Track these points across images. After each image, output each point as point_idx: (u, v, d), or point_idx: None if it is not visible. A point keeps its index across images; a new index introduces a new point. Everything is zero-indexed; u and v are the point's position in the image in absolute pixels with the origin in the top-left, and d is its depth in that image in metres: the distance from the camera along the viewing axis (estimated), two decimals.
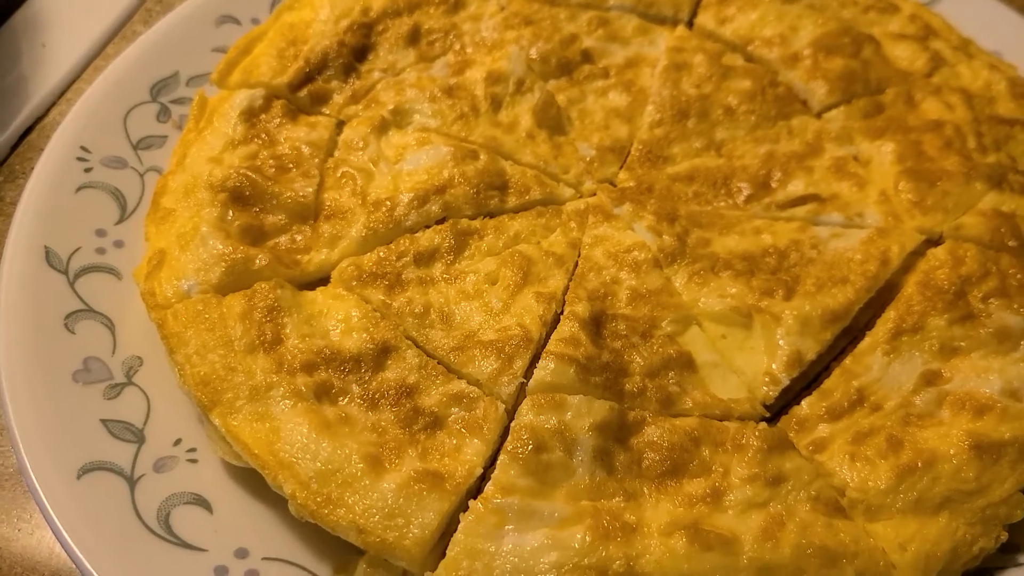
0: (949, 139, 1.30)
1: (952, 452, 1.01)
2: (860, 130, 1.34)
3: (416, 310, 1.13)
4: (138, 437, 1.09)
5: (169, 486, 1.06)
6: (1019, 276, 1.14)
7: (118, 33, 1.69)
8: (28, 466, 1.02)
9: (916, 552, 0.96)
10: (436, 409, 1.06)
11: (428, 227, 1.22)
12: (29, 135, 1.53)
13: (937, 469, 1.00)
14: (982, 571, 1.01)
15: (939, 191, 1.24)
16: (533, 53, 1.42)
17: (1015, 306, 1.12)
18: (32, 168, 1.45)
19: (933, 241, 1.22)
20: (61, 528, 0.97)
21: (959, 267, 1.15)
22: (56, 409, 1.08)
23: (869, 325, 1.15)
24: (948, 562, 0.97)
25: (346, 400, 1.06)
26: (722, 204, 1.28)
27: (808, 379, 1.13)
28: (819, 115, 1.38)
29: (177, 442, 1.11)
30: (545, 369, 1.06)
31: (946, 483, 1.00)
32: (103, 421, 1.09)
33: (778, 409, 1.10)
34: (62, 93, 1.59)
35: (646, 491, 1.01)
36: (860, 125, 1.35)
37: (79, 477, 1.03)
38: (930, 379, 1.09)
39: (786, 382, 1.09)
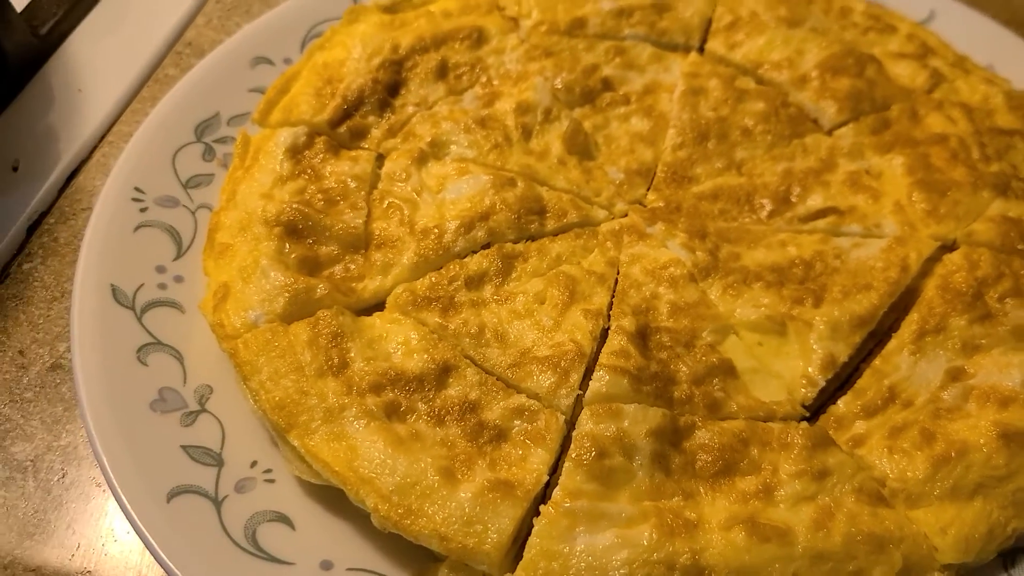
0: (955, 151, 1.38)
1: (982, 442, 1.09)
2: (870, 145, 1.42)
3: (472, 330, 1.19)
4: (217, 461, 1.15)
5: (252, 505, 1.11)
6: None
7: (151, 76, 1.75)
8: (121, 492, 1.07)
9: (956, 535, 1.04)
10: (499, 422, 1.12)
11: (475, 252, 1.28)
12: (76, 177, 1.58)
13: (969, 458, 1.08)
14: (1016, 550, 1.09)
15: (950, 200, 1.32)
16: (558, 83, 1.49)
17: None
18: (81, 209, 1.54)
19: (948, 247, 1.29)
20: (159, 550, 1.03)
21: (975, 270, 1.23)
22: (139, 438, 1.14)
23: (894, 328, 1.22)
24: (985, 543, 1.05)
25: (414, 417, 1.12)
26: (747, 220, 1.35)
27: (841, 380, 1.20)
28: (830, 132, 1.46)
29: (253, 464, 1.16)
30: (600, 381, 1.13)
31: (978, 470, 1.07)
32: (183, 447, 1.15)
33: (816, 409, 1.17)
34: (103, 136, 1.65)
35: (702, 490, 1.07)
36: (869, 141, 1.43)
37: (169, 500, 1.09)
38: (955, 375, 1.16)
39: (822, 383, 1.17)
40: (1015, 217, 1.31)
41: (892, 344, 1.20)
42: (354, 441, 1.09)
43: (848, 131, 1.45)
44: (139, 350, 1.23)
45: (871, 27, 1.61)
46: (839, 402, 1.17)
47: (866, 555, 1.02)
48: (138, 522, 1.05)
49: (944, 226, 1.30)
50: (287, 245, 1.27)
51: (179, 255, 1.36)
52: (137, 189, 1.39)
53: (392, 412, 1.12)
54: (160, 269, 1.33)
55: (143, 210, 1.37)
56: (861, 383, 1.18)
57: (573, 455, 1.08)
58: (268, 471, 1.16)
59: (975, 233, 1.29)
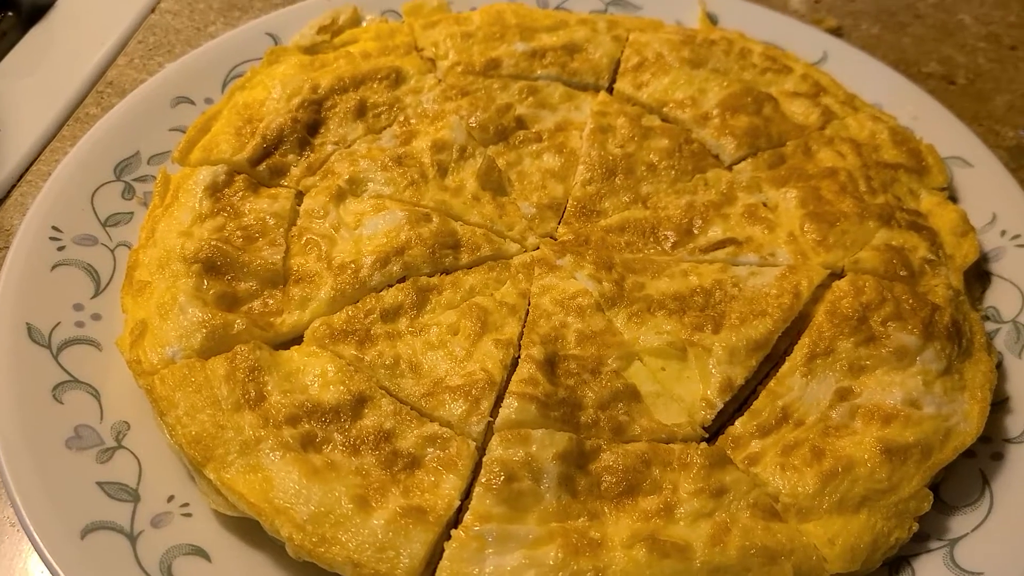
0: (843, 184, 1.46)
1: (866, 457, 1.15)
2: (766, 179, 1.49)
3: (387, 362, 1.22)
4: (133, 496, 1.16)
5: (168, 539, 1.12)
6: (911, 301, 1.29)
7: (71, 115, 1.76)
8: (33, 531, 1.08)
9: (843, 545, 1.10)
10: (413, 450, 1.15)
11: (391, 286, 1.31)
12: None
13: (855, 472, 1.14)
14: (899, 559, 1.15)
15: (838, 230, 1.39)
16: (472, 122, 1.53)
17: (909, 327, 1.26)
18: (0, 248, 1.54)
19: (836, 274, 1.35)
20: None
21: (860, 296, 1.29)
22: (53, 475, 1.14)
23: (788, 351, 1.28)
24: (870, 552, 1.10)
25: (330, 448, 1.15)
26: (652, 251, 1.40)
27: (739, 402, 1.25)
28: (730, 167, 1.52)
29: (170, 499, 1.17)
30: (509, 408, 1.17)
31: (863, 484, 1.13)
32: (99, 483, 1.15)
33: (715, 430, 1.22)
34: (21, 175, 1.65)
35: (606, 510, 1.12)
36: (766, 175, 1.50)
37: (83, 537, 1.09)
38: (843, 395, 1.22)
39: (720, 406, 1.22)
40: (897, 246, 1.38)
41: (785, 367, 1.25)
42: (270, 473, 1.11)
43: (747, 166, 1.51)
44: (55, 388, 1.23)
45: (768, 67, 1.69)
46: (736, 423, 1.21)
47: (759, 567, 1.07)
48: (51, 560, 1.06)
49: (833, 255, 1.37)
50: (205, 282, 1.29)
51: (97, 293, 1.37)
52: (55, 228, 1.40)
53: (308, 443, 1.15)
54: (78, 307, 1.34)
55: (60, 248, 1.38)
56: (757, 404, 1.23)
57: (483, 480, 1.11)
58: (185, 505, 1.17)
59: (861, 261, 1.35)
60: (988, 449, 1.25)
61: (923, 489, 1.15)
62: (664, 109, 1.61)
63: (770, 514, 1.13)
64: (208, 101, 1.63)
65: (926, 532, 1.16)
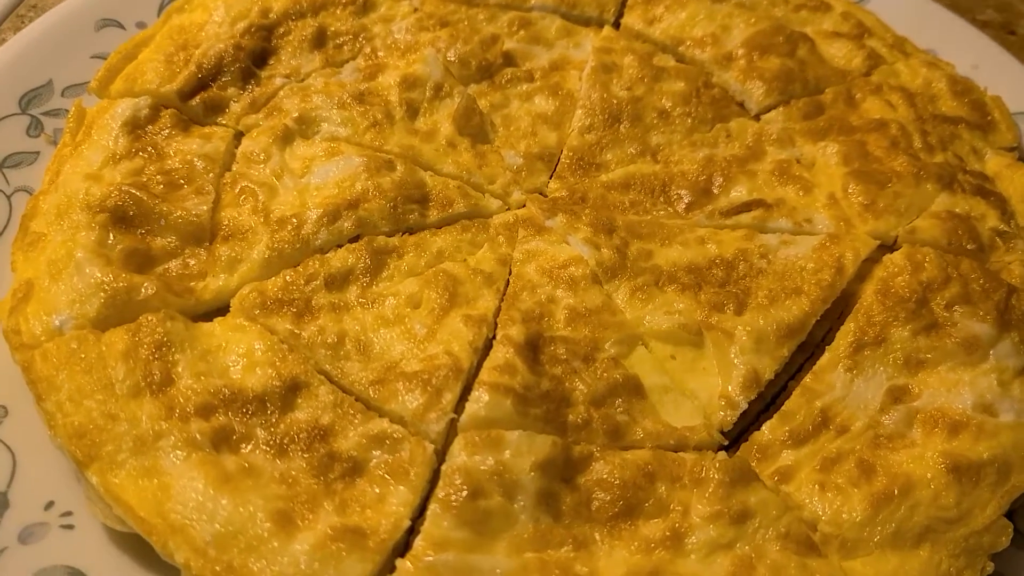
0: (895, 139, 1.28)
1: (929, 476, 0.96)
2: (801, 132, 1.31)
3: (329, 340, 1.04)
4: (0, 502, 0.94)
5: (38, 559, 0.92)
6: (981, 281, 1.10)
7: None
8: None
9: None
10: (355, 453, 0.96)
11: (340, 246, 1.14)
12: None
13: (915, 496, 0.95)
14: None
15: (890, 193, 1.20)
16: (451, 56, 1.35)
17: (981, 313, 1.07)
18: None
19: (888, 246, 1.18)
20: None
21: (919, 273, 1.10)
22: None
23: (827, 339, 1.10)
24: None
25: (249, 447, 0.95)
26: (662, 213, 1.22)
27: (766, 401, 1.07)
28: (757, 117, 1.36)
29: (49, 505, 0.97)
30: (478, 402, 0.98)
31: (925, 511, 0.94)
32: None
33: (736, 436, 1.03)
34: None
35: (598, 537, 0.92)
36: (801, 127, 1.32)
37: None
38: (897, 396, 1.03)
39: (744, 405, 1.03)
40: (962, 213, 1.20)
41: (825, 359, 1.07)
42: (168, 478, 0.92)
43: (777, 115, 1.35)
44: None
45: (803, 4, 1.51)
46: (764, 427, 1.03)
47: None
48: None
49: (884, 222, 1.19)
50: (112, 235, 1.11)
51: None
52: None
53: (222, 441, 0.95)
54: None
55: None
56: (789, 405, 1.04)
57: (440, 495, 0.92)
58: (67, 514, 0.97)
59: (918, 230, 1.18)
60: None
61: (1000, 519, 0.96)
62: (680, 48, 1.44)
63: (806, 547, 0.93)
64: (141, 25, 1.46)
65: (1001, 572, 0.96)
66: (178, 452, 0.92)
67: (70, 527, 0.95)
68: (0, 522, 0.93)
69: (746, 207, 1.21)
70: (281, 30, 1.37)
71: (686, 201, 1.22)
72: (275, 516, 0.89)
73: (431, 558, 0.87)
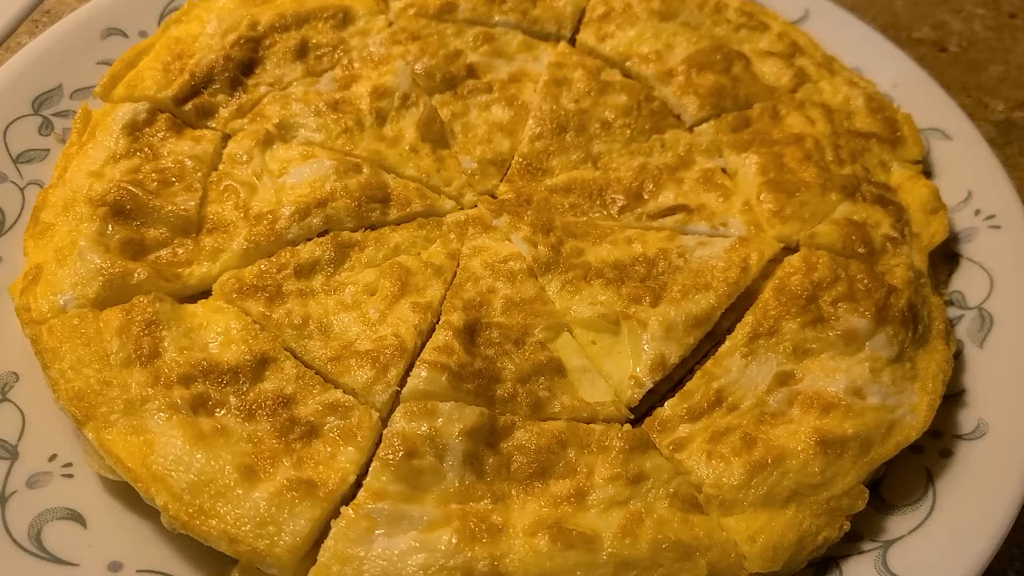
0: (809, 152, 1.36)
1: (800, 448, 1.07)
2: (728, 143, 1.39)
3: (295, 321, 1.15)
4: (11, 453, 1.08)
5: (42, 502, 1.05)
6: (866, 281, 1.20)
7: (2, 44, 1.66)
8: None
9: (764, 543, 1.02)
10: (312, 418, 1.07)
11: (309, 240, 1.23)
12: None
13: (785, 464, 1.06)
14: (828, 559, 1.07)
15: (797, 201, 1.30)
16: (418, 68, 1.44)
17: (861, 309, 1.17)
18: None
19: (791, 249, 1.27)
20: None
21: (811, 273, 1.20)
22: None
23: (730, 330, 1.19)
24: (795, 552, 1.02)
25: (223, 412, 1.07)
26: (597, 215, 1.32)
27: (673, 382, 1.17)
28: (691, 129, 1.43)
29: (52, 457, 1.10)
30: (418, 377, 1.09)
31: (794, 477, 1.05)
32: None
33: (643, 411, 1.14)
34: None
35: (514, 493, 1.04)
36: (728, 138, 1.40)
37: None
38: (783, 379, 1.14)
39: (650, 385, 1.14)
40: (859, 220, 1.29)
41: (725, 346, 1.17)
42: (152, 436, 1.04)
43: (708, 128, 1.43)
44: None
45: (744, 24, 1.58)
46: (665, 404, 1.13)
47: (671, 562, 0.99)
48: None
49: (788, 227, 1.28)
50: (110, 226, 1.21)
51: (1, 234, 1.28)
52: None
53: (199, 406, 1.07)
54: None
55: None
56: (690, 385, 1.15)
57: (381, 454, 1.04)
58: (67, 465, 1.10)
59: (817, 235, 1.27)
60: (937, 445, 1.16)
61: (858, 486, 1.07)
62: (627, 63, 1.52)
63: (690, 505, 1.05)
64: (143, 34, 1.54)
65: (860, 532, 1.09)
66: (161, 414, 1.04)
67: (70, 476, 1.08)
68: (11, 470, 1.06)
69: (671, 211, 1.30)
70: (267, 41, 1.45)
71: (619, 204, 1.31)
72: (241, 469, 1.00)
73: (370, 506, 0.99)
